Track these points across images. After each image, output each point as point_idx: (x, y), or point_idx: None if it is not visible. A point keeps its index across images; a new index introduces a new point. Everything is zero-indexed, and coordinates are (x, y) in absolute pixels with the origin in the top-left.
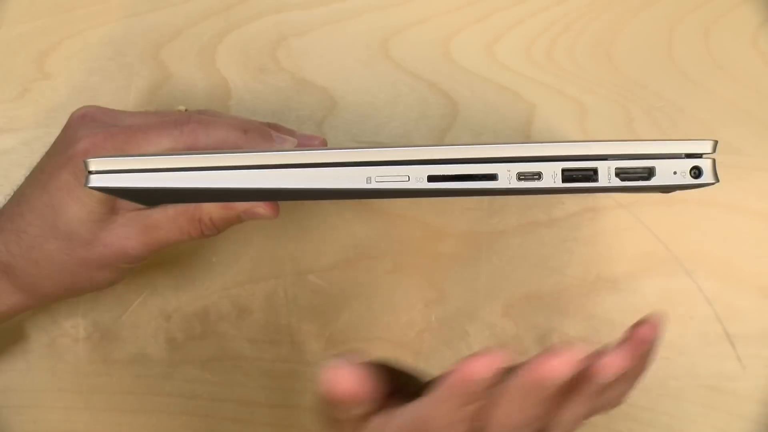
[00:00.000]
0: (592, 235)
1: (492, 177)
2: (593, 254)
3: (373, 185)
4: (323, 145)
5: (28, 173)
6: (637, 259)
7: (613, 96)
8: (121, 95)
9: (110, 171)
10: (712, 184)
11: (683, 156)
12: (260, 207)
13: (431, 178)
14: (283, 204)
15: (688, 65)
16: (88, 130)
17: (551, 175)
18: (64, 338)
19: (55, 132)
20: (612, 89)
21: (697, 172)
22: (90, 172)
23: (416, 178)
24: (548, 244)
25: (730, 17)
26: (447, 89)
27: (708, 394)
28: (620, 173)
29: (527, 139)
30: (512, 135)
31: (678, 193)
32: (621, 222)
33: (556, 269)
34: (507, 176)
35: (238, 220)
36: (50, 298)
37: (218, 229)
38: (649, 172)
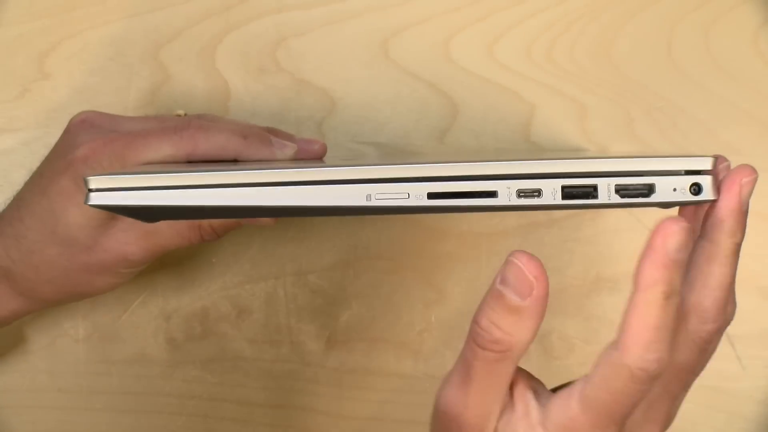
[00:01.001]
0: (593, 236)
1: (492, 194)
2: (593, 254)
3: (373, 202)
4: (323, 149)
5: (28, 177)
6: (637, 259)
7: (613, 96)
8: (121, 96)
9: (110, 189)
10: (713, 201)
11: (683, 173)
12: None
13: (431, 195)
14: None
15: (688, 65)
16: (87, 135)
17: (551, 192)
18: (64, 339)
19: (54, 132)
20: (612, 89)
21: (696, 188)
22: (90, 190)
23: (416, 195)
24: (548, 245)
25: (730, 17)
26: (447, 90)
27: (708, 394)
28: (620, 190)
29: (527, 140)
30: (512, 136)
31: None
32: (621, 222)
33: (556, 269)
34: (507, 193)
35: (238, 225)
36: (50, 303)
37: (218, 234)
38: (649, 189)
